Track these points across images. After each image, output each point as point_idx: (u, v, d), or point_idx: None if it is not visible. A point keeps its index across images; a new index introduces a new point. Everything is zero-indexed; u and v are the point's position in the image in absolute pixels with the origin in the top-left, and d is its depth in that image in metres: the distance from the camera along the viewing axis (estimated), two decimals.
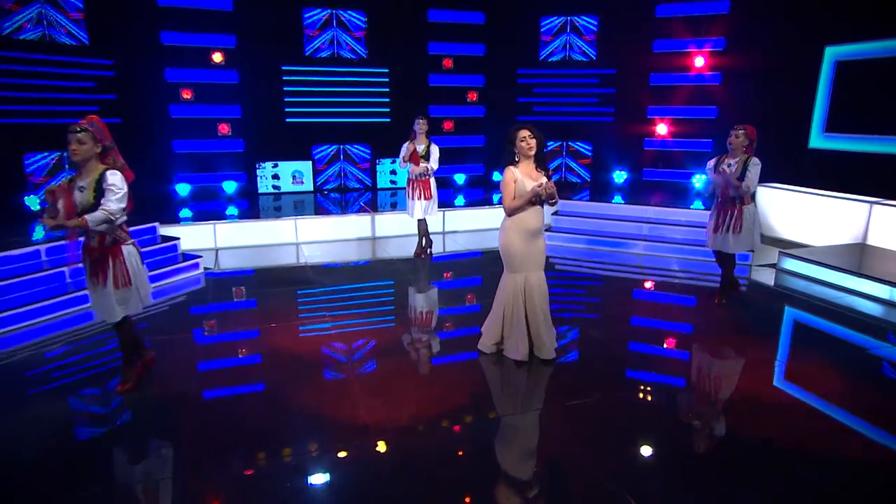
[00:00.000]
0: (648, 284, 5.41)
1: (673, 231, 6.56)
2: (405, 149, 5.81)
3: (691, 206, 7.03)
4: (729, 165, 4.34)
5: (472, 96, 9.43)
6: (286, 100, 8.70)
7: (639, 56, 8.94)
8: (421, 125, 5.75)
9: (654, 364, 3.66)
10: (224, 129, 8.36)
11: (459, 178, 9.07)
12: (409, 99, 8.66)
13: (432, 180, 5.93)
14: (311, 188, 9.00)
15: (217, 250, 6.44)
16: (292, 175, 8.89)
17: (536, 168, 3.17)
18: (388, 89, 9.07)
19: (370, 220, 7.15)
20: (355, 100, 8.96)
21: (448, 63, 9.30)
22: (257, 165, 8.73)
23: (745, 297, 4.95)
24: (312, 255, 6.22)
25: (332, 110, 8.92)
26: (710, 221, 4.59)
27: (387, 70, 9.01)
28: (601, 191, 8.46)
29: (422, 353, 3.73)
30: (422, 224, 6.09)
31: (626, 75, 9.12)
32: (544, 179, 3.17)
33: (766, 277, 5.50)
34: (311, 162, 8.95)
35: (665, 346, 3.96)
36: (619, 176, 9.29)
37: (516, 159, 3.13)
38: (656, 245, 6.43)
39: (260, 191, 8.76)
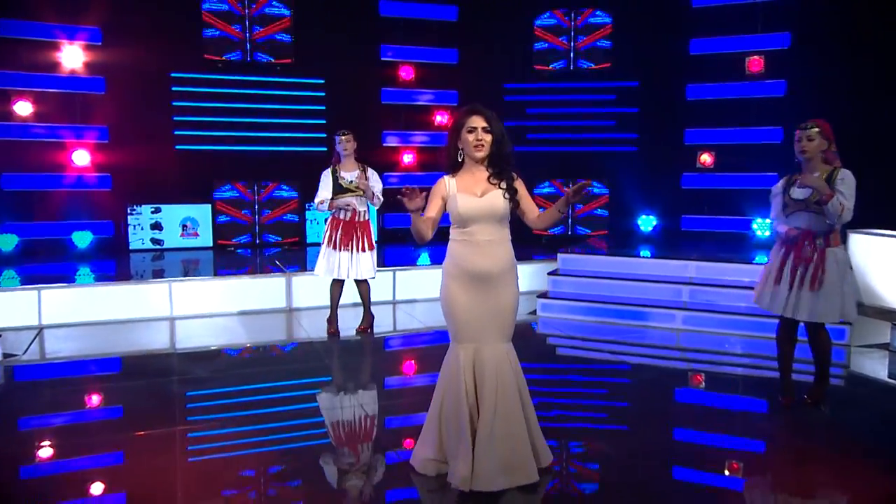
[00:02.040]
0: (694, 376, 5.23)
1: (726, 296, 6.35)
2: (325, 180, 5.55)
3: (753, 261, 6.93)
4: (802, 188, 3.97)
5: (441, 119, 9.46)
6: (176, 119, 8.64)
7: (670, 61, 8.99)
8: (344, 143, 5.55)
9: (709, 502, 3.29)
10: (80, 158, 8.26)
11: None
12: (354, 120, 8.61)
13: (373, 222, 5.75)
14: (210, 242, 8.83)
15: (41, 329, 6.17)
16: (182, 224, 8.75)
17: (490, 178, 2.94)
18: (323, 107, 9.14)
19: (284, 284, 6.89)
20: (277, 121, 8.92)
21: (407, 73, 9.38)
22: (130, 210, 8.57)
23: (841, 394, 4.67)
24: (193, 336, 6.10)
25: (244, 135, 8.91)
26: (769, 268, 4.15)
27: (322, 81, 9.10)
28: (620, 242, 8.49)
29: (351, 488, 3.32)
30: (363, 289, 5.79)
31: (654, 88, 9.18)
32: (498, 192, 2.90)
33: (874, 364, 5.35)
34: (210, 206, 8.83)
35: (723, 471, 3.62)
36: (647, 223, 9.32)
37: (460, 159, 2.94)
38: (702, 317, 6.21)
39: (132, 246, 8.58)
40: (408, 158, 9.40)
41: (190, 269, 7.58)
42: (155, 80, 8.45)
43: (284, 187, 9.07)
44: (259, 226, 9.09)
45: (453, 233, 2.95)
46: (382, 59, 9.30)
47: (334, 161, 5.67)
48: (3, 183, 8.02)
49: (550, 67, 9.58)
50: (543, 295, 6.80)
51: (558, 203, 2.94)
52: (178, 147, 8.64)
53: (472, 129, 2.91)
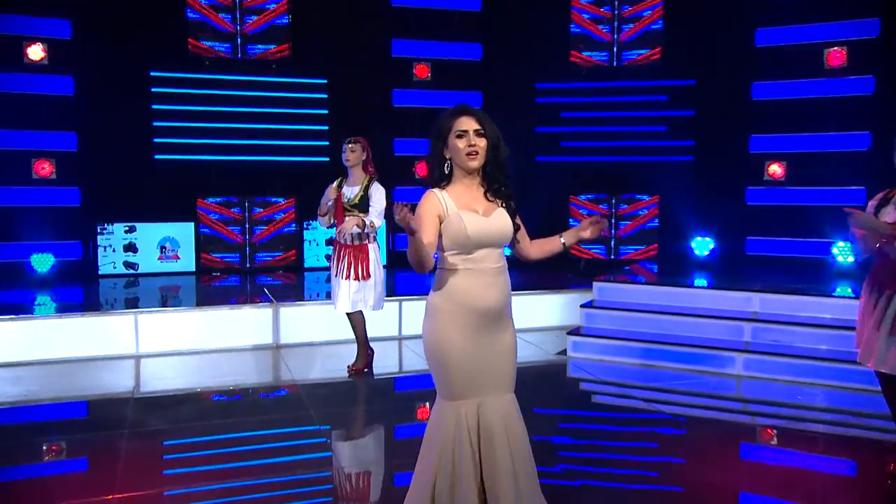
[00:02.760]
0: (763, 430, 5.09)
1: (799, 336, 6.11)
2: (327, 195, 5.58)
3: (834, 293, 6.73)
4: None
5: None
6: (156, 125, 8.68)
7: (733, 55, 8.85)
8: (347, 153, 5.51)
9: None
10: (43, 168, 8.30)
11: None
12: (361, 126, 8.49)
13: (373, 248, 5.57)
14: (193, 266, 8.82)
15: None
16: (160, 245, 8.72)
17: (486, 194, 2.82)
18: (325, 111, 9.16)
19: (270, 317, 6.78)
20: (273, 127, 8.93)
21: (422, 71, 9.37)
22: (100, 229, 8.54)
23: None
24: (157, 379, 6.03)
25: (235, 143, 8.91)
26: (864, 310, 3.89)
27: (324, 81, 9.12)
28: (671, 269, 8.41)
29: None
30: (356, 322, 5.68)
31: (713, 86, 9.05)
32: (501, 210, 2.78)
33: None
34: (193, 224, 8.84)
35: None
36: (702, 246, 9.21)
37: (447, 171, 2.81)
38: (768, 361, 5.97)
39: (102, 271, 8.55)
40: (422, 170, 9.31)
41: (168, 298, 7.51)
42: (132, 79, 8.44)
43: (280, 202, 9.05)
44: (250, 247, 9.03)
45: (451, 261, 2.78)
46: (394, 55, 9.27)
47: (343, 173, 5.64)
48: None
49: (589, 59, 9.44)
50: (576, 331, 6.65)
51: (567, 235, 2.88)
52: (157, 157, 8.64)
53: (463, 134, 2.76)
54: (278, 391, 5.70)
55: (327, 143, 8.93)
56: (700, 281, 7.46)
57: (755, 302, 6.50)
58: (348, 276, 5.48)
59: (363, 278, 5.50)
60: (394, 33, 9.24)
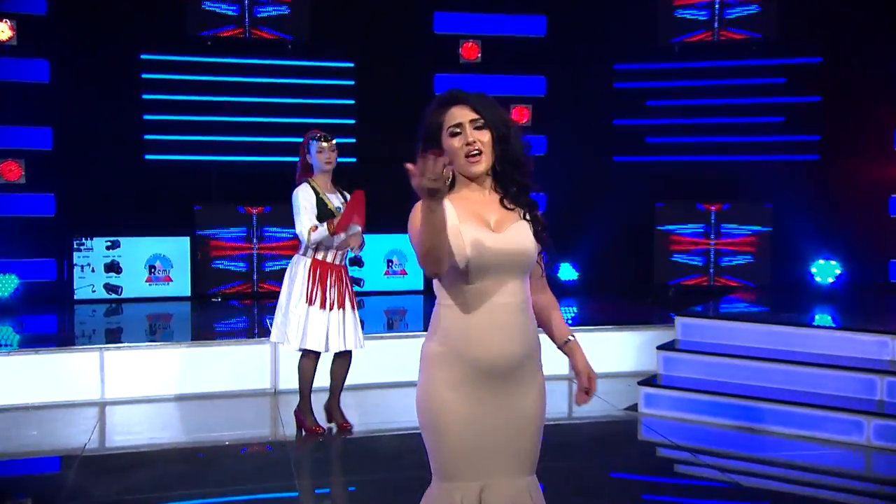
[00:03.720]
0: None
1: None
2: (308, 198, 5.47)
3: None
4: None
5: (521, 115, 9.41)
6: (147, 118, 8.75)
7: (874, 24, 8.58)
8: (328, 152, 5.52)
9: None
10: (10, 171, 8.37)
11: None
12: (395, 119, 8.51)
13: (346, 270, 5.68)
14: (188, 290, 8.81)
15: None
16: (149, 265, 8.72)
17: (503, 200, 2.69)
18: (352, 101, 9.15)
19: (268, 356, 6.71)
20: (287, 121, 8.87)
21: (471, 51, 9.31)
22: (76, 245, 8.56)
23: None
24: (119, 432, 6.01)
25: (241, 140, 8.94)
26: None
27: (351, 65, 9.12)
28: (781, 301, 8.30)
29: None
30: (339, 365, 5.77)
31: (848, 66, 8.85)
32: (522, 223, 2.65)
33: None
34: (189, 239, 8.87)
35: None
36: (826, 271, 9.06)
37: (448, 180, 2.56)
38: None
39: (79, 295, 8.56)
40: None
41: (157, 329, 7.52)
42: (119, 64, 8.49)
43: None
44: (258, 267, 8.94)
45: (449, 292, 2.66)
46: (436, 32, 9.23)
47: (304, 175, 5.60)
48: None
49: (682, 34, 9.31)
50: (650, 381, 6.55)
51: (573, 358, 2.82)
52: (148, 157, 8.70)
53: (457, 131, 2.64)
54: (263, 451, 5.54)
55: (354, 139, 8.89)
56: (821, 318, 7.33)
57: (894, 349, 6.10)
58: (342, 305, 5.52)
59: (358, 307, 5.63)
60: (436, 5, 9.20)
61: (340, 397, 5.83)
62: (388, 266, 9.32)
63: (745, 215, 9.31)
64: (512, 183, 2.65)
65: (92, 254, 8.59)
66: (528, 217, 2.64)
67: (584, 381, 2.77)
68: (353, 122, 8.97)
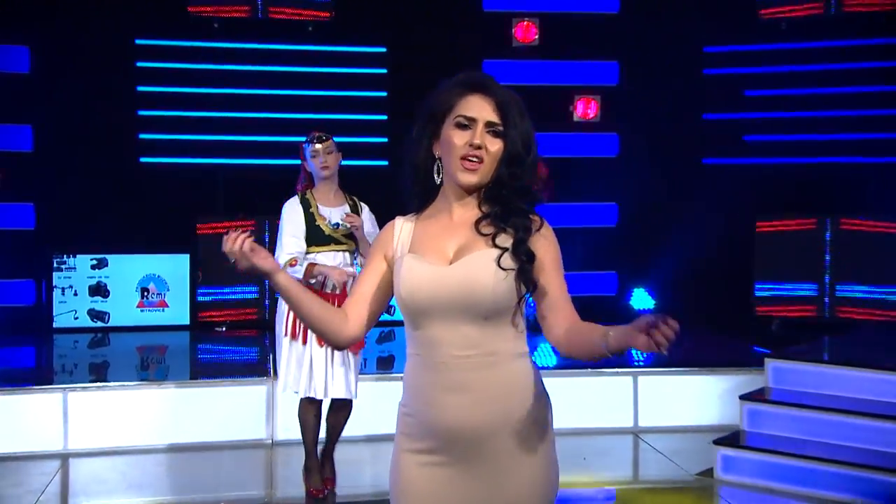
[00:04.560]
0: None
1: None
2: (293, 219, 5.41)
3: None
4: None
5: (586, 108, 9.30)
6: (141, 114, 8.77)
7: None
8: (322, 154, 5.45)
9: None
10: None
11: None
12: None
13: None
14: (187, 318, 8.94)
15: None
16: (141, 287, 8.62)
17: (479, 224, 2.60)
18: (384, 93, 9.11)
19: (263, 400, 6.63)
20: (307, 116, 8.83)
21: (527, 32, 9.18)
22: (56, 263, 8.52)
23: None
24: (78, 494, 5.90)
25: (252, 140, 8.98)
26: None
27: (383, 50, 9.11)
28: None
29: None
30: (337, 413, 5.65)
31: None
32: (488, 252, 2.57)
33: None
34: (189, 257, 8.97)
35: None
36: None
37: (438, 180, 2.67)
38: None
39: (58, 323, 8.50)
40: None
41: (150, 365, 7.63)
42: (110, 51, 8.48)
43: None
44: (270, 292, 8.67)
45: (408, 341, 2.68)
46: (485, 9, 9.18)
47: (303, 187, 5.55)
48: None
49: (789, 8, 9.13)
50: (731, 440, 6.23)
51: (614, 335, 2.34)
52: (143, 160, 8.64)
53: (465, 123, 2.55)
54: None
55: (386, 139, 8.92)
56: None
57: None
58: (357, 349, 5.46)
59: (357, 347, 5.41)
60: None
61: (334, 450, 5.72)
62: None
63: (869, 228, 8.81)
64: (500, 204, 2.51)
65: (75, 274, 8.49)
66: (501, 245, 2.46)
67: (637, 329, 2.26)
68: (384, 118, 8.95)
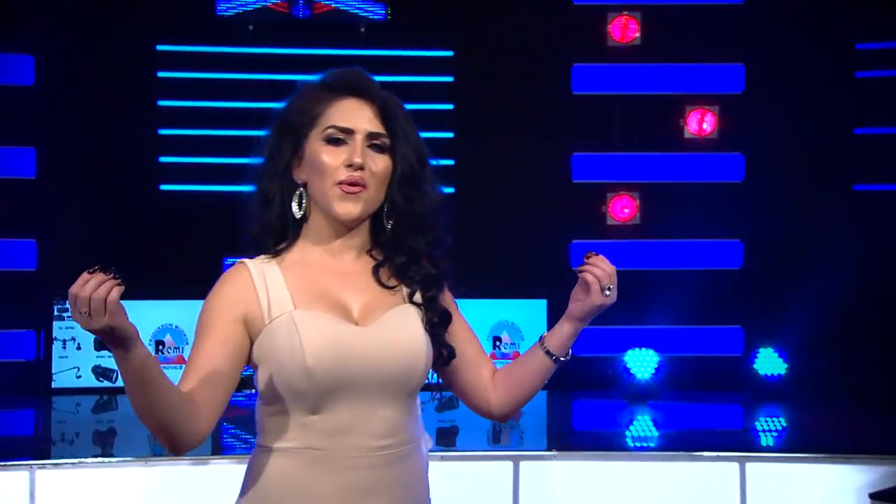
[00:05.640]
0: None
1: None
2: None
3: None
4: None
5: (701, 122, 9.01)
6: (163, 133, 8.63)
7: None
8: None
9: None
10: None
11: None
12: (508, 128, 8.89)
13: None
14: None
15: None
16: (155, 340, 8.52)
17: (378, 270, 2.49)
18: (450, 106, 8.95)
19: None
20: None
21: (626, 30, 8.92)
22: (57, 310, 8.34)
23: None
24: None
25: None
26: None
27: (450, 54, 8.97)
28: None
29: None
30: None
31: None
32: (405, 310, 2.51)
33: None
34: None
35: None
36: None
37: (298, 214, 2.48)
38: None
39: (58, 382, 8.31)
40: (623, 207, 9.09)
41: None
42: (128, 59, 8.36)
43: None
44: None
45: (274, 427, 2.42)
46: (575, 3, 8.92)
47: None
48: None
49: None
50: None
51: (553, 332, 2.46)
52: (164, 187, 8.52)
53: (341, 138, 2.40)
54: None
55: (452, 161, 8.45)
56: None
57: None
58: None
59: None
60: None
61: None
62: (495, 346, 8.74)
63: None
64: (400, 249, 2.44)
65: (78, 324, 8.13)
66: (413, 298, 2.44)
67: (577, 292, 2.45)
68: (451, 135, 8.62)
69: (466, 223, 7.60)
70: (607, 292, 2.33)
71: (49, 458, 6.53)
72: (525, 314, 8.89)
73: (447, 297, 2.52)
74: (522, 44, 8.87)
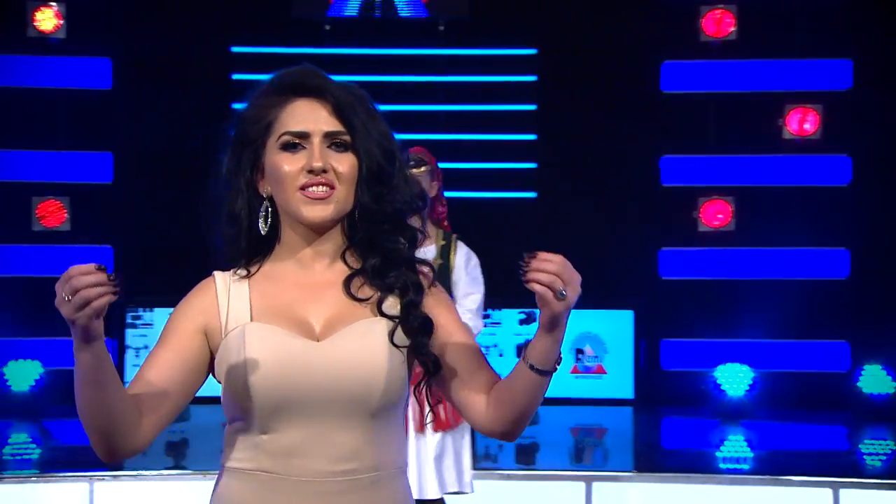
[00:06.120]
0: None
1: None
2: None
3: None
4: None
5: (803, 121, 8.70)
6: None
7: None
8: (420, 175, 5.16)
9: None
10: (51, 213, 8.29)
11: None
12: (598, 130, 8.71)
13: None
14: None
15: None
16: None
17: (350, 282, 2.28)
18: (533, 106, 8.93)
19: None
20: (437, 138, 8.66)
21: (720, 24, 8.59)
22: (131, 318, 8.45)
23: None
24: None
25: None
26: None
27: (533, 52, 8.93)
28: None
29: None
30: None
31: None
32: (374, 324, 2.30)
33: None
34: None
35: None
36: None
37: (263, 227, 2.33)
38: None
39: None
40: (717, 212, 8.85)
41: None
42: (202, 63, 8.47)
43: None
44: None
45: (234, 445, 2.24)
46: None
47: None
48: None
49: None
50: None
51: (532, 345, 2.12)
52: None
53: (297, 142, 2.20)
54: None
55: (535, 164, 8.63)
56: None
57: None
58: (422, 428, 5.08)
59: (449, 425, 5.16)
60: None
61: None
62: (577, 358, 8.63)
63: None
64: (375, 251, 2.25)
65: (151, 331, 8.19)
66: (387, 312, 2.19)
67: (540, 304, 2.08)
68: (533, 137, 8.74)
69: (548, 229, 7.63)
70: (562, 294, 1.92)
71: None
72: (609, 326, 8.73)
73: (438, 303, 2.27)
74: (609, 40, 8.78)
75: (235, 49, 8.52)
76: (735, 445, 7.32)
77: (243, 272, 2.25)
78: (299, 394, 2.13)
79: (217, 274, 2.28)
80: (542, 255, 1.94)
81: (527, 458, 7.11)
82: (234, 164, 2.23)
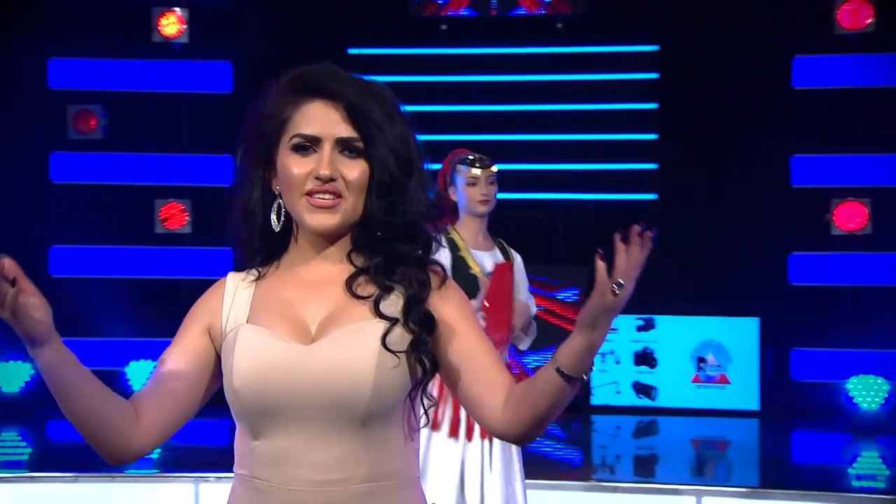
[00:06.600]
0: None
1: None
2: (440, 255, 4.98)
3: None
4: None
5: None
6: None
7: None
8: (483, 182, 5.02)
9: None
10: (174, 215, 8.47)
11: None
12: (724, 135, 8.54)
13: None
14: None
15: None
16: None
17: (352, 281, 2.20)
18: (654, 105, 8.81)
19: None
20: (553, 139, 8.82)
21: (856, 14, 8.28)
22: None
23: None
24: None
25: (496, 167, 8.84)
26: None
27: (655, 49, 8.81)
28: None
29: None
30: None
31: None
32: (370, 325, 2.25)
33: None
34: None
35: None
36: None
37: (276, 225, 2.27)
38: None
39: None
40: (852, 215, 8.53)
41: None
42: (320, 62, 8.14)
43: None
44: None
45: (236, 452, 2.18)
46: None
47: (446, 221, 4.94)
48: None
49: None
50: None
51: (565, 347, 1.99)
52: None
53: (308, 145, 2.12)
54: None
55: (656, 164, 8.47)
56: None
57: None
58: (470, 435, 4.89)
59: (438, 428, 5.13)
60: None
61: None
62: (699, 367, 8.38)
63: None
64: (381, 251, 2.11)
65: None
66: (384, 313, 2.02)
67: (595, 297, 1.82)
68: (655, 136, 8.59)
69: (669, 232, 7.05)
70: (619, 286, 1.73)
71: None
72: (734, 334, 8.48)
73: (448, 301, 2.11)
74: (736, 35, 8.58)
75: (352, 51, 8.56)
76: (868, 462, 7.02)
77: (255, 273, 2.16)
78: (283, 400, 2.03)
79: (231, 275, 2.20)
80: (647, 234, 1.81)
81: (644, 469, 6.96)
82: (247, 160, 2.14)
